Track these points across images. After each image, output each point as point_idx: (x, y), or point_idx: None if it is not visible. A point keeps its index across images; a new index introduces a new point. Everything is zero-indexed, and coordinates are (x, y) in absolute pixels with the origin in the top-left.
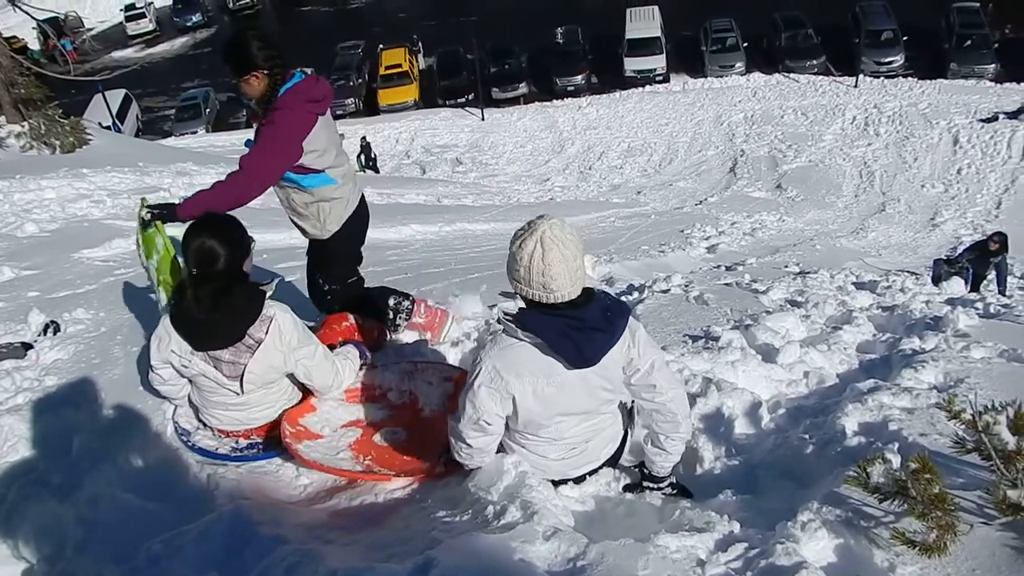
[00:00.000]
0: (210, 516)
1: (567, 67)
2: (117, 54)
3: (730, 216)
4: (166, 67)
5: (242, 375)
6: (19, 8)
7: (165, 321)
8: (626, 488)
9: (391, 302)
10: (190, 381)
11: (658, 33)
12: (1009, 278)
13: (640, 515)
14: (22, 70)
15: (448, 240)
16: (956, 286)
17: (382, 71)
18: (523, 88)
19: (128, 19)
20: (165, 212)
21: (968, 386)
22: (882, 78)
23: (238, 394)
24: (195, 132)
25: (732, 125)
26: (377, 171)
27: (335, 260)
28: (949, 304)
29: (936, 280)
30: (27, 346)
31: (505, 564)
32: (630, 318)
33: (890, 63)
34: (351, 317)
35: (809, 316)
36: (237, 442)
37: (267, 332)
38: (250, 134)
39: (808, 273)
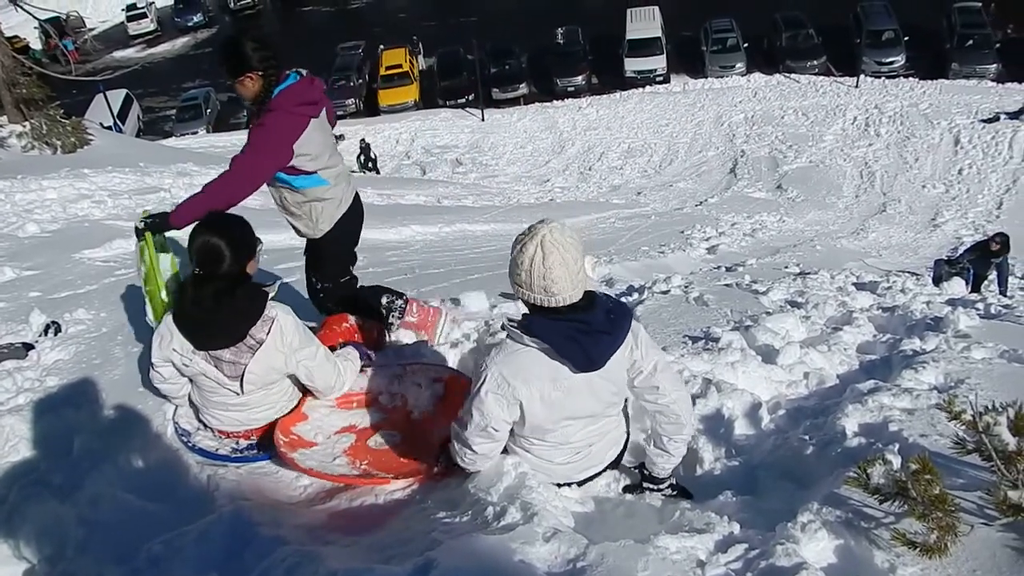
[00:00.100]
0: (210, 517)
1: (567, 68)
2: (118, 54)
3: (730, 217)
4: (167, 67)
5: (242, 375)
6: (21, 8)
7: (168, 319)
8: (626, 489)
9: (384, 301)
10: (191, 381)
11: (658, 33)
12: (1010, 279)
13: (640, 516)
14: (24, 70)
15: (448, 241)
16: (957, 287)
17: (382, 71)
18: (523, 89)
19: (129, 19)
20: (159, 221)
21: (969, 387)
22: (883, 78)
23: (238, 394)
24: (196, 132)
25: (732, 126)
26: (377, 172)
27: (328, 259)
28: (950, 305)
29: (937, 281)
30: (28, 346)
31: (505, 565)
32: (632, 320)
33: (891, 63)
34: (351, 318)
35: (809, 317)
36: (237, 443)
37: (268, 333)
38: None
39: (808, 274)
